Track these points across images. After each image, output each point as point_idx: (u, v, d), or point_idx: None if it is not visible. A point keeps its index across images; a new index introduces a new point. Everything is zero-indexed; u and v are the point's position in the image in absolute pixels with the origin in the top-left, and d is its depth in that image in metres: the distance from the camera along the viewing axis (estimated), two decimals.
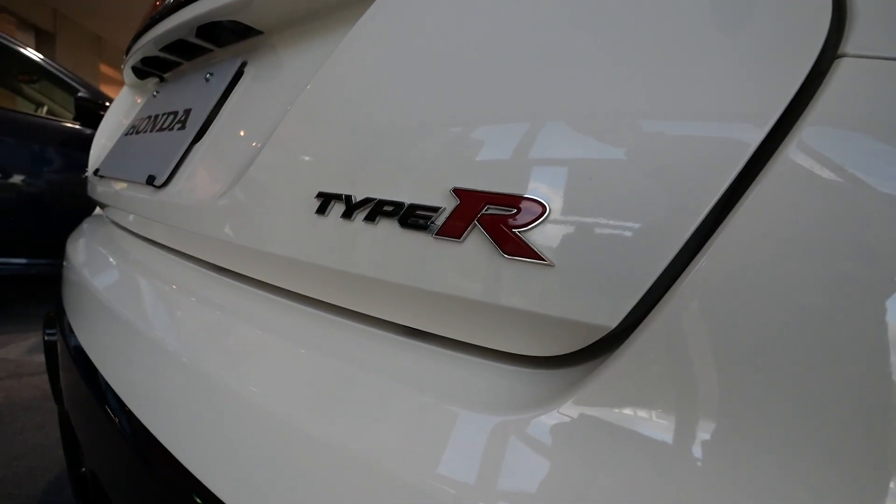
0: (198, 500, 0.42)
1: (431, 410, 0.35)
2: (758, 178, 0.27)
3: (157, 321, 0.59)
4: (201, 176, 0.60)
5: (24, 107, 3.43)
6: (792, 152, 0.26)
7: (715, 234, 0.27)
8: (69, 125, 3.01)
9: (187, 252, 0.64)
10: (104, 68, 10.35)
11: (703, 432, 0.27)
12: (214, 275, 0.60)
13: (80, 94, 2.86)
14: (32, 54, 3.07)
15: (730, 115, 0.28)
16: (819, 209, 0.25)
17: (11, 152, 2.76)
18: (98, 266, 0.82)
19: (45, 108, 3.41)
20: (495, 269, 0.34)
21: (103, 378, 0.63)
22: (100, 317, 0.71)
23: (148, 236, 0.76)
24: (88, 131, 3.01)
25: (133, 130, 0.90)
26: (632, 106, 0.31)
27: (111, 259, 0.81)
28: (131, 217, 0.77)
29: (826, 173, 0.25)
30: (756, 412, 0.26)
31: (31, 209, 2.89)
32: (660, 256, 0.28)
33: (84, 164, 2.96)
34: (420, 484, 0.31)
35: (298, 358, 0.44)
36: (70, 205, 2.86)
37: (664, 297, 0.29)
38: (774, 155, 0.26)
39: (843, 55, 0.26)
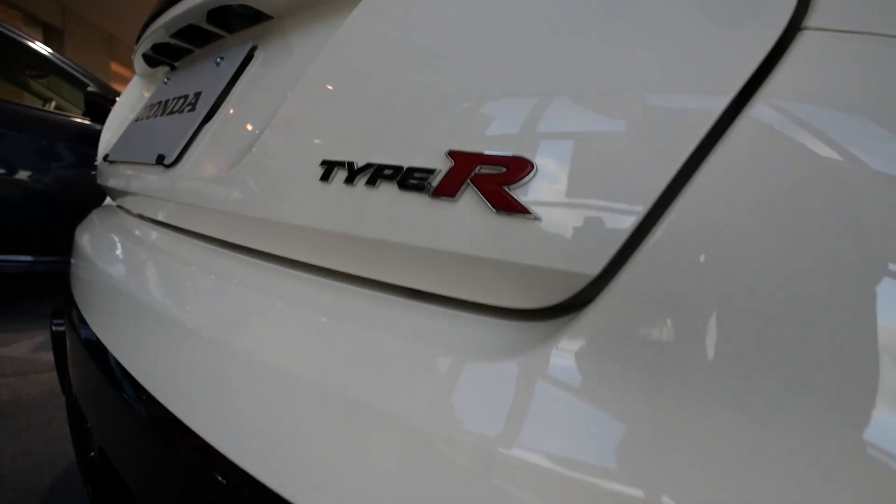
0: (213, 467, 0.47)
1: (430, 361, 0.39)
2: (720, 142, 0.30)
3: (166, 296, 0.64)
4: (210, 154, 0.64)
5: (32, 103, 3.54)
6: (753, 118, 0.29)
7: (682, 192, 0.31)
8: (78, 120, 3.11)
9: (197, 230, 0.68)
10: (115, 67, 10.61)
11: (673, 370, 0.31)
12: (224, 251, 0.64)
13: (89, 89, 2.96)
14: (40, 48, 3.17)
15: (700, 80, 0.32)
16: (775, 167, 0.29)
17: (18, 147, 2.85)
18: (106, 248, 0.87)
19: (53, 104, 3.53)
20: (487, 224, 0.37)
21: (112, 355, 0.68)
22: (108, 296, 0.76)
23: (158, 218, 0.81)
24: (98, 127, 3.11)
25: (143, 116, 0.95)
26: (608, 73, 0.35)
27: (119, 241, 0.86)
28: (141, 199, 0.82)
29: (783, 140, 0.29)
30: (725, 345, 0.29)
31: (38, 206, 2.98)
32: (635, 209, 0.32)
33: (93, 161, 3.05)
34: (421, 424, 0.35)
35: (308, 322, 0.48)
36: (78, 202, 2.96)
37: (640, 246, 0.32)
38: (737, 119, 0.30)
39: (805, 28, 0.29)
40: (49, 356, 2.45)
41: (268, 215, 0.52)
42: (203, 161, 0.65)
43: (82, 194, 2.90)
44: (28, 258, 3.01)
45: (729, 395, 0.29)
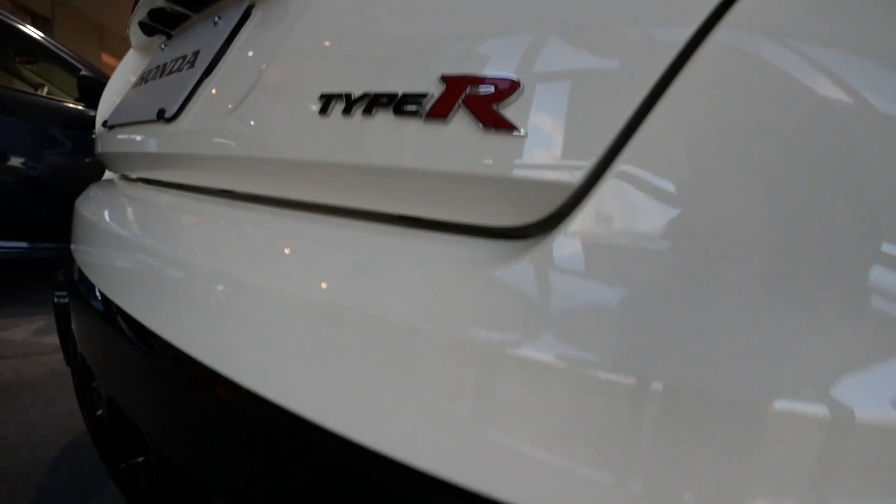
0: (226, 392, 0.49)
1: (426, 273, 0.41)
2: (688, 63, 0.33)
3: (168, 245, 0.66)
4: (211, 104, 0.67)
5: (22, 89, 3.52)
6: (718, 42, 0.33)
7: (653, 110, 0.34)
8: (71, 105, 3.11)
9: (198, 183, 0.71)
10: (107, 58, 10.53)
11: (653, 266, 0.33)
12: (225, 200, 0.67)
13: (82, 73, 2.96)
14: (31, 31, 3.15)
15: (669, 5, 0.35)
16: (736, 87, 0.32)
17: (12, 133, 2.85)
18: (106, 210, 0.89)
19: (46, 90, 3.51)
20: (477, 141, 0.40)
21: (116, 305, 0.71)
22: (109, 252, 0.78)
23: (159, 177, 0.83)
24: (92, 113, 3.11)
25: (141, 81, 0.97)
26: None
27: (119, 203, 0.89)
28: (142, 158, 0.84)
29: (746, 63, 0.32)
30: (699, 243, 0.32)
31: (33, 192, 2.98)
32: (612, 124, 0.35)
33: (88, 147, 3.04)
34: (416, 325, 0.39)
35: (317, 255, 0.50)
36: (74, 188, 2.97)
37: (617, 157, 0.35)
38: (703, 43, 0.33)
39: None
40: (50, 339, 2.48)
41: (269, 153, 0.54)
42: (204, 112, 0.67)
43: (78, 181, 2.90)
44: (23, 244, 3.02)
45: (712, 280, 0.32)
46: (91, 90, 2.96)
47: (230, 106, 0.60)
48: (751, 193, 0.31)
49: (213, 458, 0.56)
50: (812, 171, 0.30)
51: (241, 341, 0.50)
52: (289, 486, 0.48)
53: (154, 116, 0.73)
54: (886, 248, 0.29)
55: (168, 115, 0.70)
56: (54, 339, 2.45)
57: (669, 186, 0.34)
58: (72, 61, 3.22)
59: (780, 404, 0.29)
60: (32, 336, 2.53)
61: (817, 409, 0.29)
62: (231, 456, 0.53)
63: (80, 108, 3.14)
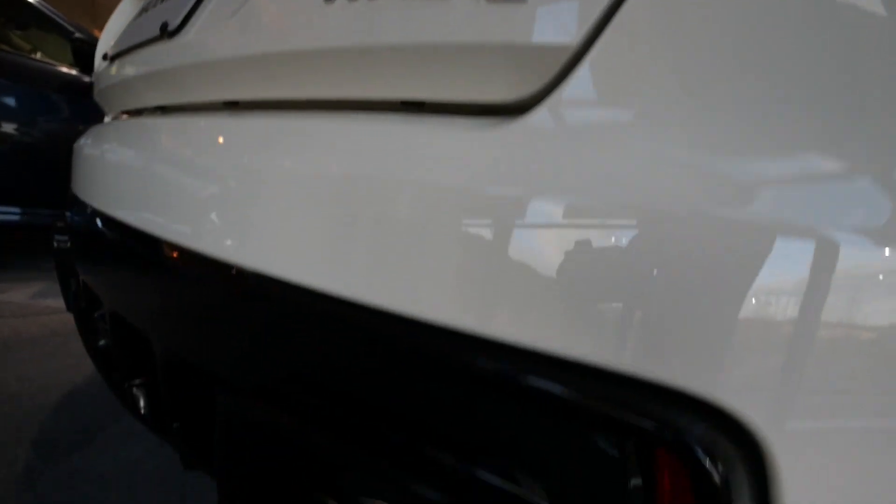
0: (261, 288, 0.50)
1: (441, 143, 0.43)
2: None
3: (185, 156, 0.67)
4: (214, 17, 0.67)
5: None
6: None
7: None
8: (66, 70, 3.09)
9: (203, 99, 0.71)
10: (99, 35, 10.38)
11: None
12: (229, 113, 0.68)
13: (76, 36, 2.93)
14: None
15: None
16: None
17: (3, 96, 2.83)
18: (105, 142, 0.90)
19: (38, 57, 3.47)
20: (480, 11, 0.41)
21: (121, 220, 0.72)
22: (110, 177, 0.79)
23: (161, 102, 0.84)
24: (87, 79, 3.08)
25: (142, 12, 0.97)
26: None
27: (117, 134, 0.90)
28: (145, 84, 0.85)
29: None
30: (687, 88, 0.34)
31: (26, 158, 2.97)
32: None
33: (83, 113, 3.00)
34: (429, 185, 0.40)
35: (330, 143, 0.51)
36: (67, 155, 2.94)
37: (614, 17, 0.37)
38: None
39: None
40: (48, 301, 2.49)
41: (276, 47, 0.55)
42: (209, 19, 0.67)
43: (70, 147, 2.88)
44: (16, 210, 3.00)
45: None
46: (85, 54, 2.92)
47: (235, 6, 0.61)
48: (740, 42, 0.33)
49: (218, 346, 0.57)
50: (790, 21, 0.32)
51: (268, 232, 0.50)
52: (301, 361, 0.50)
53: (157, 32, 0.73)
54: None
55: (171, 27, 0.70)
56: (52, 302, 2.46)
57: (662, 40, 0.36)
58: (65, 25, 3.18)
59: (783, 230, 0.31)
60: (30, 298, 2.54)
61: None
62: (240, 339, 0.55)
63: (74, 73, 3.11)
